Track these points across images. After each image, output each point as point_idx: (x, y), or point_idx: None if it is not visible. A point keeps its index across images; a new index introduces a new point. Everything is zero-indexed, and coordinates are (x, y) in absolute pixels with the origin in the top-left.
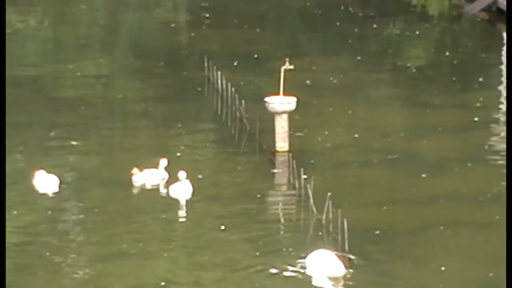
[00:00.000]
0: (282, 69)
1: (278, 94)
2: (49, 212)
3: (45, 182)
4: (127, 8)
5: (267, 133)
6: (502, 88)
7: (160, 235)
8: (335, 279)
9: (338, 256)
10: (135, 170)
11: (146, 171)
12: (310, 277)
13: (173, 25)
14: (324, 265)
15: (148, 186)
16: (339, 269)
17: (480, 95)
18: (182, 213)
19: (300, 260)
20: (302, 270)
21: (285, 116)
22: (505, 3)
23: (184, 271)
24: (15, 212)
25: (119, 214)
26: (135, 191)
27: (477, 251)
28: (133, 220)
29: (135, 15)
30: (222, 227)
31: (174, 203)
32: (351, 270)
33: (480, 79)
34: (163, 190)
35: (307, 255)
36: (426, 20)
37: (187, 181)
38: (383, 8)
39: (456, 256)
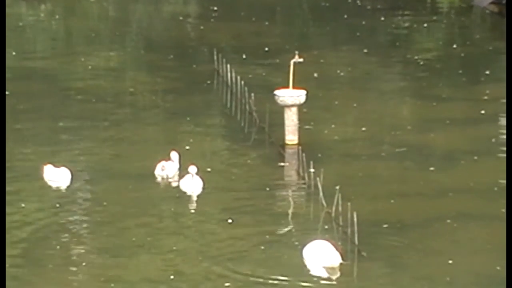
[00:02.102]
0: (292, 62)
1: (287, 87)
2: (60, 205)
3: (54, 176)
4: (136, 0)
5: (277, 126)
6: None
7: (169, 228)
8: (343, 271)
9: (335, 246)
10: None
11: (164, 163)
12: (320, 270)
13: (181, 17)
14: (320, 255)
15: (167, 178)
16: (335, 259)
17: (487, 88)
18: (191, 206)
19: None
20: (310, 263)
21: (294, 109)
22: None
23: (193, 264)
24: (24, 205)
25: (129, 207)
26: (145, 183)
27: (485, 244)
28: (142, 213)
29: (144, 8)
30: (229, 221)
31: (183, 196)
32: (346, 262)
33: (487, 72)
34: (176, 183)
35: (304, 246)
36: (436, 13)
37: (197, 175)
38: (392, 0)
39: (464, 249)
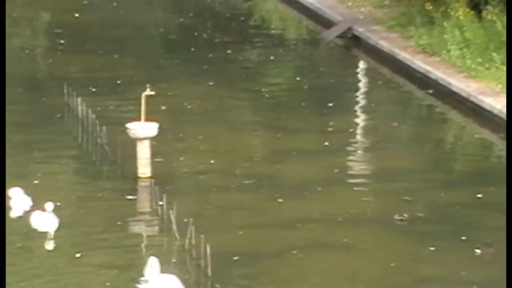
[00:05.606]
0: (143, 95)
1: (139, 119)
2: None
3: None
4: None
5: (129, 159)
6: (356, 113)
7: (17, 265)
8: None
9: (181, 280)
10: None
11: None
12: None
13: (27, 51)
14: None
15: (17, 214)
16: None
17: (330, 120)
18: (40, 242)
19: None
20: None
21: (147, 142)
22: (360, 30)
23: None
24: None
25: None
26: None
27: (332, 273)
28: None
29: None
30: (78, 255)
31: (34, 233)
32: None
33: (330, 104)
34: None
35: (148, 280)
36: (284, 46)
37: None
38: (240, 34)
39: (311, 278)
